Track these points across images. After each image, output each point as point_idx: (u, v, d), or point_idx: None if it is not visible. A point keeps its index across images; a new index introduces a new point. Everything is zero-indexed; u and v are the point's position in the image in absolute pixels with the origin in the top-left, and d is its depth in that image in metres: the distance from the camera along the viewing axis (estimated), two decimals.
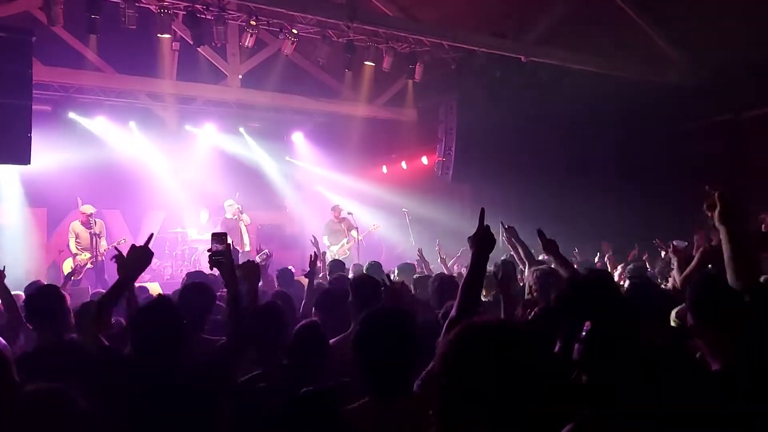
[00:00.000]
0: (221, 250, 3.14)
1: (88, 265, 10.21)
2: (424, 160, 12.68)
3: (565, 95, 10.02)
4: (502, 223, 5.07)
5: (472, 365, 1.34)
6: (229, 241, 3.40)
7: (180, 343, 2.88)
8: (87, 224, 10.24)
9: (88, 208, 10.28)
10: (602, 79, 9.82)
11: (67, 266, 10.18)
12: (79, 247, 10.27)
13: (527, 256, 4.88)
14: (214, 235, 3.23)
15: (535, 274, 4.11)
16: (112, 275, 9.12)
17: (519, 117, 10.35)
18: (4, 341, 3.78)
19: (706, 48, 9.44)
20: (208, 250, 3.17)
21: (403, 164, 13.21)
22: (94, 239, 10.26)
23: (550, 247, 4.13)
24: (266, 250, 7.33)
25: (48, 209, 11.50)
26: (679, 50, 9.90)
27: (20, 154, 7.29)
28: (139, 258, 3.02)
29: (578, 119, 10.28)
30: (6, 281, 4.60)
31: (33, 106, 7.37)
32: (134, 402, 2.63)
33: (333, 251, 10.64)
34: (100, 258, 10.20)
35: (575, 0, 9.11)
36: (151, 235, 3.19)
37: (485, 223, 2.53)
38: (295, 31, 9.14)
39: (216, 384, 2.85)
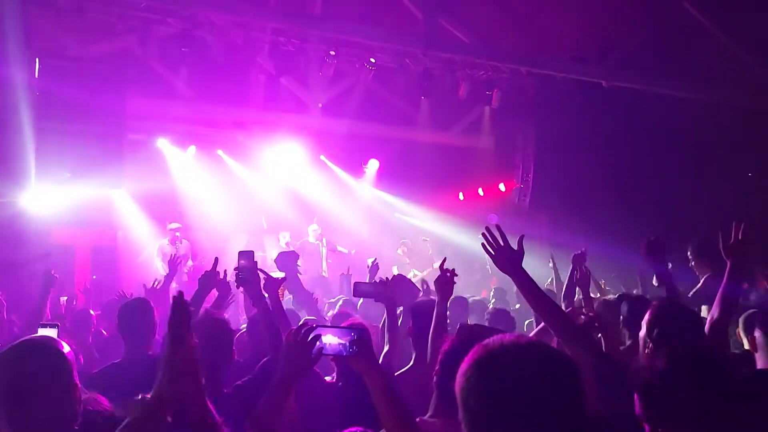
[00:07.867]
0: (246, 267, 3.06)
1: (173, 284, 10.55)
2: (502, 186, 12.54)
3: (648, 121, 9.68)
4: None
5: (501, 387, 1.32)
6: (257, 259, 3.30)
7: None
8: (173, 241, 10.64)
9: (174, 225, 10.69)
10: (688, 104, 9.44)
11: None
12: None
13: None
14: (241, 253, 3.14)
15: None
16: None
17: (599, 143, 10.07)
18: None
19: None
20: (235, 269, 3.10)
21: (480, 191, 13.11)
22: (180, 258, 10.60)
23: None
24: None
25: (138, 233, 12.04)
26: None
27: (113, 180, 7.75)
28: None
29: (661, 146, 9.90)
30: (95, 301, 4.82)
31: (127, 135, 7.86)
32: None
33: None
34: (184, 279, 10.53)
35: (660, 23, 8.86)
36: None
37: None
38: (372, 60, 9.32)
39: None
